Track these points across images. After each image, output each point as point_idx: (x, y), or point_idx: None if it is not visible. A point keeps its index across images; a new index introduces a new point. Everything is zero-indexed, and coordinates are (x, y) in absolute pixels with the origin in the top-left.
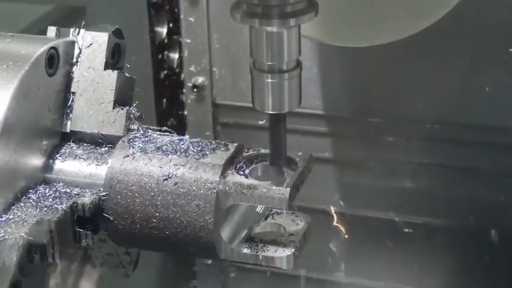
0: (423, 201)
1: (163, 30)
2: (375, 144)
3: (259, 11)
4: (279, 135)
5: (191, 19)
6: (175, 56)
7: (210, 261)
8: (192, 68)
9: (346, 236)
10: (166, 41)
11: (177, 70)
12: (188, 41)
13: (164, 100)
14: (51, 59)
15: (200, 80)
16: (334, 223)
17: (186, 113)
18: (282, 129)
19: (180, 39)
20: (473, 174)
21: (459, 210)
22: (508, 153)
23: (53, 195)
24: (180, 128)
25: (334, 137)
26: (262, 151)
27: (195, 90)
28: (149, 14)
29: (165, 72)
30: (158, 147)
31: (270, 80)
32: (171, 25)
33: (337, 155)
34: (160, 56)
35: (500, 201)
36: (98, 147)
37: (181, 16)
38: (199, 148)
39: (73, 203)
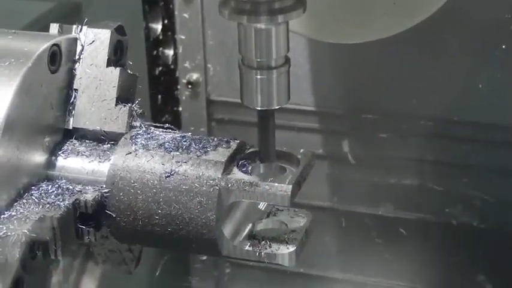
0: (417, 198)
1: (158, 27)
2: (368, 141)
3: (247, 8)
4: (268, 132)
5: (185, 15)
6: (170, 52)
7: (204, 258)
8: (187, 65)
9: (340, 232)
10: (161, 37)
11: (172, 66)
12: (182, 37)
13: (159, 96)
14: (54, 56)
15: (195, 76)
16: None
17: (180, 109)
18: (271, 125)
19: (175, 35)
20: (468, 171)
21: (453, 207)
22: (503, 150)
23: (55, 192)
24: (174, 125)
25: (328, 134)
26: None
27: (189, 86)
28: (144, 11)
29: (160, 68)
30: (160, 144)
31: (258, 77)
32: (165, 21)
33: (331, 151)
34: (155, 53)
35: (495, 199)
36: (100, 144)
37: (176, 12)
38: (201, 145)
39: (75, 200)
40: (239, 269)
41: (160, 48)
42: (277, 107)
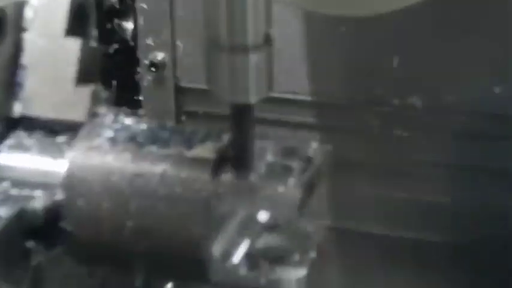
0: (442, 216)
1: None
2: (381, 141)
3: None
4: (244, 133)
5: None
6: (128, 25)
7: None
8: (150, 41)
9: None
10: (117, 6)
11: (131, 44)
12: (144, 6)
13: (113, 82)
14: None
15: (160, 56)
16: None
17: (142, 98)
18: (248, 124)
19: (135, 4)
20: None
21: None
22: None
23: None
24: None
25: (330, 131)
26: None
27: (153, 69)
28: None
29: (115, 46)
30: (132, 137)
31: (230, 60)
32: None
33: (333, 153)
34: (109, 26)
35: None
36: (54, 137)
37: None
38: (184, 138)
39: (20, 209)
40: None
41: (116, 20)
42: (255, 101)
